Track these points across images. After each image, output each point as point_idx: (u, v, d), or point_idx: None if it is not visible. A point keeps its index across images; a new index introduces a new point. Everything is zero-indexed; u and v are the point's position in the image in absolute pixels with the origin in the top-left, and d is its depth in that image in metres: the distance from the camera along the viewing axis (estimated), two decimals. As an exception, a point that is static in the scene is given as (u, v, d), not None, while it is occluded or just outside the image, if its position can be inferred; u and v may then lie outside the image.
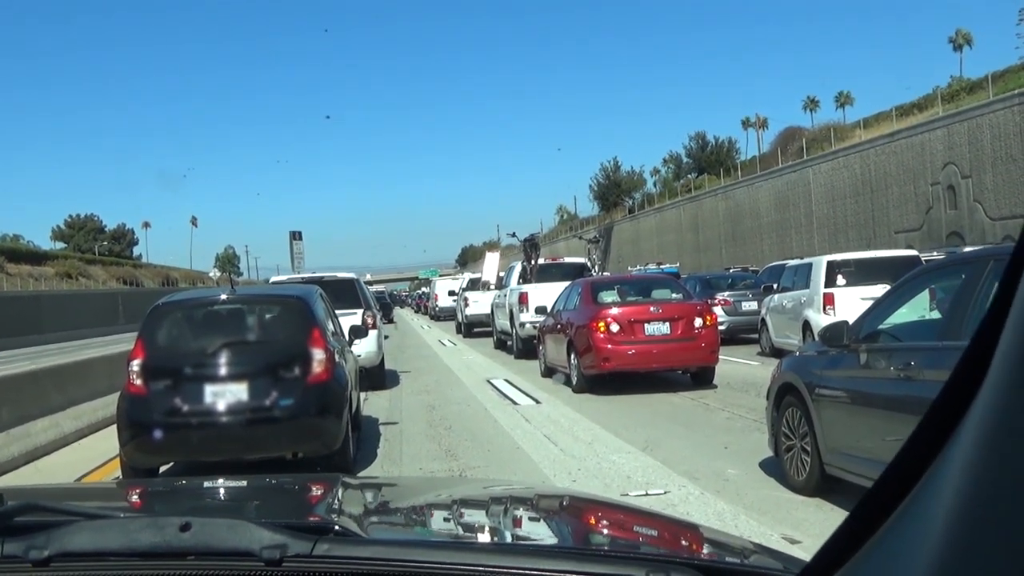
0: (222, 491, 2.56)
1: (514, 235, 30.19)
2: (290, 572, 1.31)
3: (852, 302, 13.10)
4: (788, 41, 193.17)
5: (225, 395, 7.37)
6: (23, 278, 65.11)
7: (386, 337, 19.15)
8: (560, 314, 14.63)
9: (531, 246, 24.06)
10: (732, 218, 61.37)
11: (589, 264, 24.79)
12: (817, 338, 7.06)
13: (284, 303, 8.53)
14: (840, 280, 14.89)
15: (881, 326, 5.92)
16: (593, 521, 2.18)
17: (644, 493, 6.65)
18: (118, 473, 7.95)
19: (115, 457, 8.18)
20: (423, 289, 78.99)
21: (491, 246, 78.00)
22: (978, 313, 4.77)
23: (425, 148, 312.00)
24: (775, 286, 17.51)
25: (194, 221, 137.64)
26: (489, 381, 15.23)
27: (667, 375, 13.52)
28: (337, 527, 1.51)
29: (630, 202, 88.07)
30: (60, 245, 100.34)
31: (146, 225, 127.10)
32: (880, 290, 9.35)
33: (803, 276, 16.04)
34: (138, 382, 7.45)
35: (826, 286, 14.89)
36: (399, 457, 8.84)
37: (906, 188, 42.23)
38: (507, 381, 15.00)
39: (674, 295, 14.08)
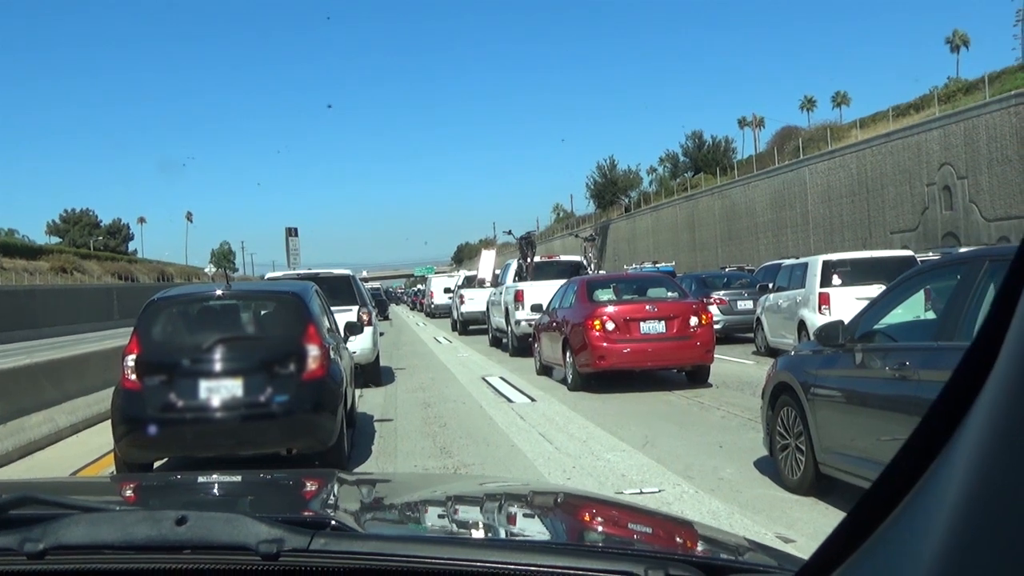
0: (217, 486, 2.56)
1: (510, 233, 30.19)
2: (287, 566, 1.31)
3: (847, 302, 13.13)
4: (785, 41, 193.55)
5: (220, 391, 7.36)
6: (18, 273, 64.98)
7: (381, 334, 19.14)
8: (556, 312, 14.63)
9: (527, 244, 24.06)
10: (728, 217, 61.42)
11: (585, 262, 24.79)
12: (812, 337, 7.07)
13: (280, 299, 8.52)
14: (836, 280, 14.90)
15: (876, 326, 5.93)
16: (588, 518, 2.18)
17: (639, 491, 6.65)
18: (112, 468, 7.94)
19: (110, 452, 8.16)
20: (419, 286, 78.92)
21: (487, 244, 78.02)
22: (973, 314, 4.78)
23: (422, 146, 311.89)
24: (771, 285, 17.53)
25: (189, 216, 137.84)
26: (484, 379, 15.23)
27: (662, 374, 13.53)
28: (334, 522, 1.51)
29: (626, 201, 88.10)
30: (55, 240, 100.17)
31: (141, 220, 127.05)
32: (875, 290, 9.37)
33: (799, 276, 16.06)
34: (133, 377, 7.43)
35: (822, 286, 14.91)
36: (394, 454, 8.84)
37: (902, 188, 42.30)
38: (502, 379, 15.00)
39: (670, 294, 14.09)
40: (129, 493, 2.49)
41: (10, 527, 1.36)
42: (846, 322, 6.12)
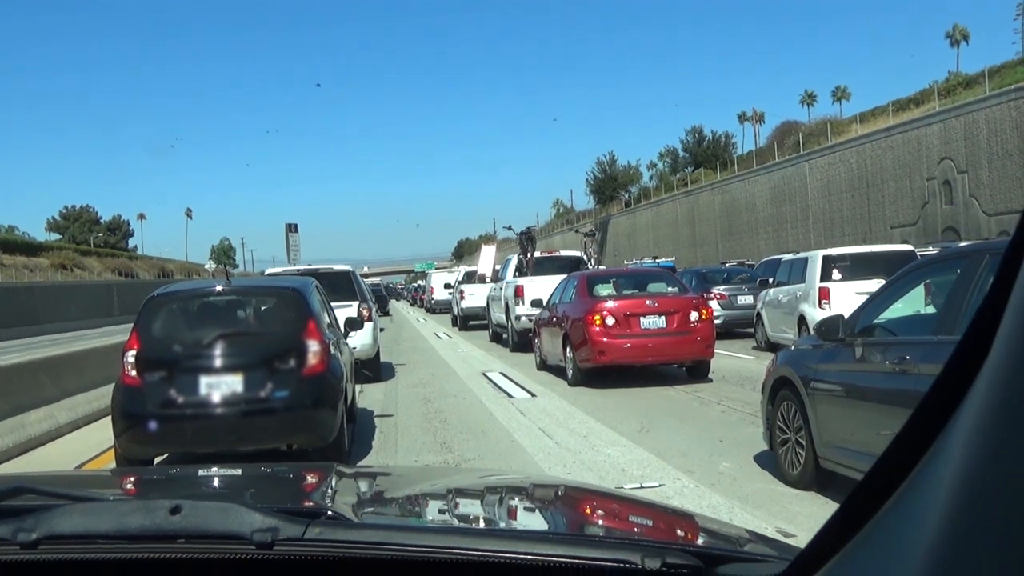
0: (215, 478, 2.56)
1: (510, 228, 30.24)
2: (281, 555, 1.30)
3: (847, 296, 13.14)
4: (786, 36, 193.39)
5: (220, 386, 7.36)
6: (18, 269, 64.97)
7: (382, 330, 19.15)
8: (556, 307, 14.62)
9: (527, 239, 24.05)
10: (728, 212, 61.40)
11: (585, 258, 24.79)
12: (812, 332, 7.07)
13: (280, 295, 8.51)
14: (836, 275, 14.90)
15: (876, 320, 5.93)
16: (588, 510, 2.17)
17: (639, 486, 6.66)
18: (113, 464, 7.94)
19: (110, 448, 8.16)
20: (419, 282, 78.89)
21: (487, 239, 77.94)
22: (973, 308, 4.76)
23: (422, 142, 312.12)
24: (771, 280, 17.51)
25: (189, 213, 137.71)
26: (484, 374, 15.23)
27: (663, 369, 13.53)
28: (329, 512, 1.51)
29: (626, 196, 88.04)
30: (55, 236, 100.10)
31: (141, 217, 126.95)
32: (875, 285, 9.37)
33: (799, 270, 16.04)
34: (133, 373, 7.43)
35: (822, 280, 14.90)
36: (394, 449, 8.84)
37: (902, 183, 42.27)
38: (502, 374, 15.00)
39: (670, 289, 14.08)
40: (125, 485, 2.49)
41: (3, 517, 1.35)
42: (846, 316, 6.12)
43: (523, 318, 18.93)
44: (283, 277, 13.30)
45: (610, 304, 12.94)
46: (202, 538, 1.32)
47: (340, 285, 14.36)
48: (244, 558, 1.30)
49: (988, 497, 0.69)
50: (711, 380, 12.94)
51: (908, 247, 17.27)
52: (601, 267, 29.72)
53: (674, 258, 45.92)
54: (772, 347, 15.62)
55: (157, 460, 7.85)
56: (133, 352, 7.49)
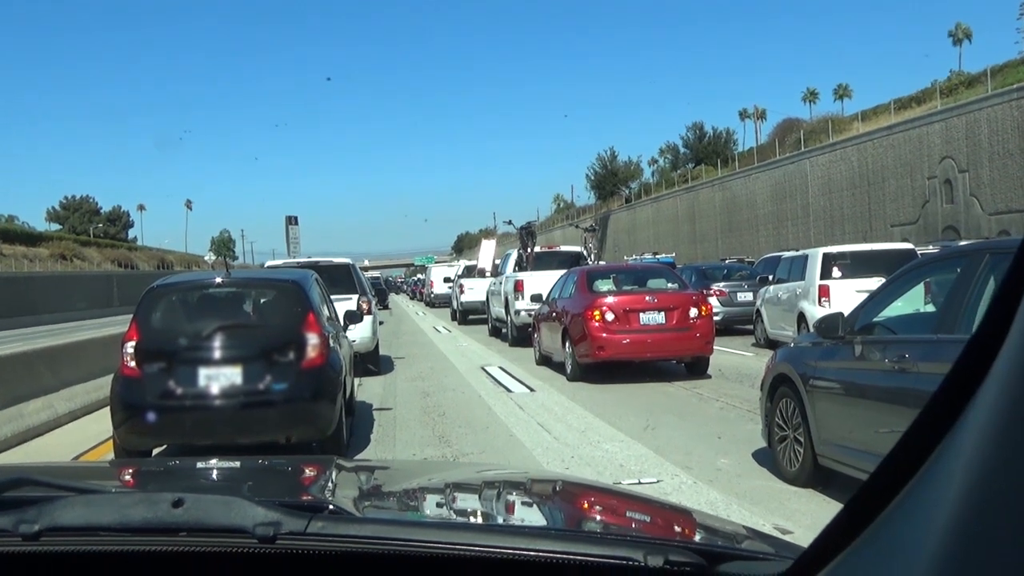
0: (215, 471, 2.55)
1: (510, 223, 30.20)
2: (283, 549, 1.30)
3: (847, 294, 13.13)
4: (788, 33, 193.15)
5: (219, 378, 7.36)
6: (17, 259, 64.95)
7: (381, 323, 19.14)
8: (555, 302, 14.62)
9: (527, 234, 24.02)
10: (728, 209, 61.37)
11: (585, 253, 24.75)
12: (812, 329, 7.07)
13: (279, 287, 8.51)
14: (836, 272, 14.89)
15: (876, 318, 5.93)
16: (587, 505, 2.17)
17: (637, 481, 6.66)
18: (111, 455, 7.95)
19: (108, 439, 8.17)
20: (419, 276, 78.89)
21: (487, 233, 77.98)
22: (973, 307, 4.78)
23: (422, 135, 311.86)
24: (771, 277, 17.50)
25: (189, 204, 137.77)
26: (483, 368, 15.24)
27: (662, 364, 13.54)
28: (331, 506, 1.50)
29: (627, 192, 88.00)
30: (55, 226, 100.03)
31: (141, 208, 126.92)
32: (875, 283, 9.36)
33: (799, 268, 16.04)
34: (132, 364, 7.43)
35: (821, 278, 14.89)
36: (392, 443, 8.84)
37: (903, 181, 42.24)
38: (501, 369, 15.00)
39: (669, 285, 14.08)
40: (126, 477, 2.48)
41: (5, 508, 1.35)
42: (846, 314, 6.12)
43: (522, 313, 18.92)
44: (283, 270, 13.28)
45: (610, 300, 12.94)
46: (204, 531, 1.32)
47: (340, 278, 14.35)
48: (246, 552, 1.30)
49: (997, 498, 0.69)
50: (710, 376, 12.95)
51: (908, 245, 17.27)
52: (601, 263, 29.67)
53: (674, 254, 45.92)
54: (771, 344, 15.62)
55: (155, 452, 7.86)
56: (132, 343, 7.49)
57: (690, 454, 7.67)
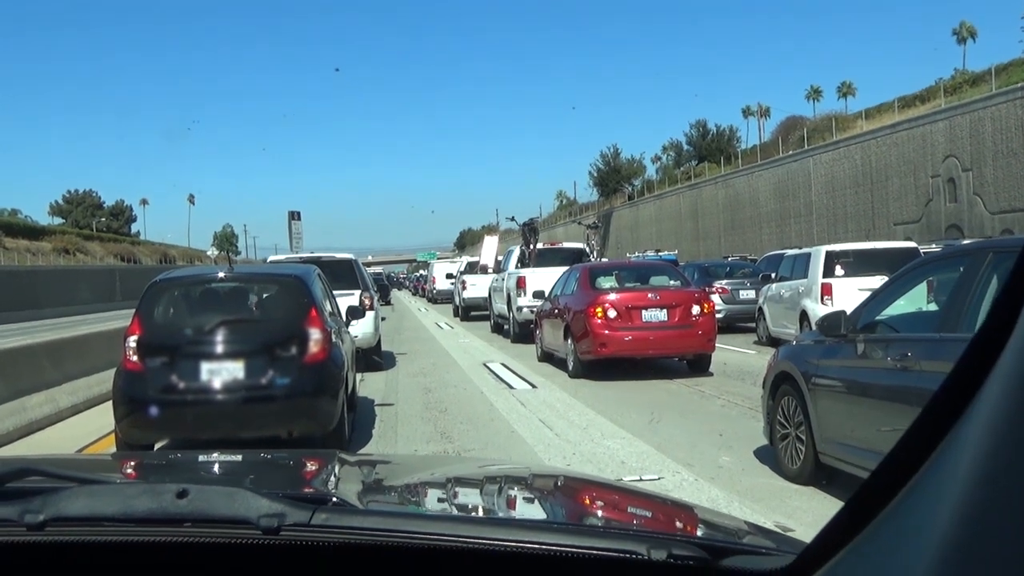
0: (218, 464, 2.56)
1: (513, 219, 30.13)
2: (287, 541, 1.31)
3: (850, 293, 13.11)
4: (792, 31, 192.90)
5: (221, 373, 7.37)
6: (20, 253, 65.02)
7: (383, 319, 19.15)
8: (558, 299, 14.63)
9: (530, 231, 24.03)
10: (731, 206, 61.33)
11: (588, 250, 24.77)
12: (815, 327, 7.06)
13: (282, 282, 8.51)
14: (838, 271, 14.87)
15: (879, 317, 5.92)
16: (589, 500, 2.18)
17: (638, 478, 6.66)
18: (113, 449, 7.96)
19: (110, 433, 8.18)
20: (421, 272, 78.90)
21: (490, 230, 77.88)
22: (976, 306, 4.77)
23: (425, 132, 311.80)
24: (773, 275, 17.49)
25: (191, 199, 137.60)
26: (485, 364, 15.24)
27: (663, 362, 13.54)
28: (335, 498, 1.51)
29: (630, 189, 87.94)
30: (58, 220, 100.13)
31: (144, 202, 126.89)
32: (878, 281, 9.35)
33: (801, 266, 16.02)
34: (134, 358, 7.44)
35: (824, 276, 14.88)
36: (394, 438, 8.85)
37: (906, 180, 42.20)
38: (503, 365, 15.01)
39: (672, 282, 14.08)
40: (129, 469, 2.49)
41: (9, 498, 1.36)
42: (848, 312, 6.11)
43: (525, 309, 18.92)
44: (285, 265, 13.31)
45: (612, 296, 12.95)
46: (208, 522, 1.32)
47: (342, 273, 14.36)
48: (250, 543, 1.30)
49: (999, 496, 0.69)
50: (712, 374, 12.95)
51: (911, 244, 17.24)
52: (603, 260, 29.66)
53: (676, 252, 45.94)
54: (773, 342, 15.62)
55: (157, 446, 7.87)
56: (135, 337, 7.50)
57: (692, 451, 7.67)
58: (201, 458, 2.75)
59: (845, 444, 5.78)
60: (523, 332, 18.93)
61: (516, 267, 21.71)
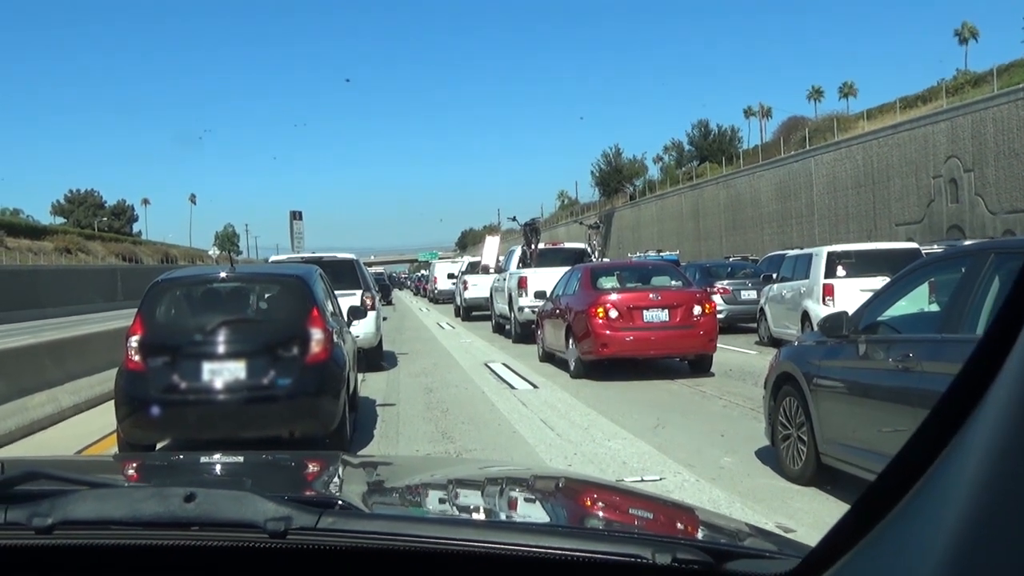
0: (222, 466, 2.56)
1: (514, 219, 30.16)
2: (294, 545, 1.31)
3: (852, 294, 13.11)
4: (793, 31, 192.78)
5: (223, 373, 7.37)
6: (22, 252, 65.04)
7: (385, 319, 19.14)
8: (559, 299, 14.63)
9: (531, 231, 23.99)
10: (733, 207, 61.30)
11: (589, 250, 24.74)
12: (816, 328, 7.06)
13: (283, 282, 8.52)
14: (840, 271, 14.86)
15: (880, 317, 5.92)
16: (591, 502, 2.18)
17: (640, 479, 6.66)
18: (115, 449, 7.96)
19: (112, 433, 8.18)
20: (422, 272, 78.90)
21: (491, 230, 77.86)
22: (978, 307, 4.77)
23: (426, 131, 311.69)
24: (775, 276, 17.48)
25: (193, 199, 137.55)
26: (487, 365, 15.24)
27: (665, 362, 13.53)
28: (340, 502, 1.51)
29: (631, 189, 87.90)
30: (60, 220, 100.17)
31: (145, 202, 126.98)
32: (880, 282, 9.34)
33: (803, 266, 16.01)
34: (136, 358, 7.45)
35: (826, 277, 14.87)
36: (396, 439, 8.85)
37: (908, 180, 42.18)
38: (505, 365, 15.01)
39: (673, 282, 14.08)
40: (135, 472, 2.49)
41: (18, 502, 1.36)
42: (850, 313, 6.11)
43: (526, 309, 18.92)
44: (287, 264, 13.31)
45: (613, 297, 12.95)
46: (216, 526, 1.32)
47: (344, 273, 14.35)
48: (257, 547, 1.31)
49: (1006, 500, 0.70)
50: (713, 374, 12.94)
51: (913, 245, 17.24)
52: (605, 260, 29.65)
53: (678, 252, 45.93)
54: (775, 342, 15.61)
55: (159, 446, 7.87)
56: (137, 337, 7.50)
57: (693, 452, 7.67)
58: (205, 460, 2.76)
59: (847, 445, 5.78)
60: (524, 332, 18.92)
61: (518, 267, 21.71)
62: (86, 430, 9.64)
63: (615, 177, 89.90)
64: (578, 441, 8.33)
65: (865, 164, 46.02)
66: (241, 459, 2.73)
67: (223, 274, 8.33)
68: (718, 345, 13.37)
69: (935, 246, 20.74)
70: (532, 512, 2.11)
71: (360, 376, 11.56)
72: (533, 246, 22.83)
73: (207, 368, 7.38)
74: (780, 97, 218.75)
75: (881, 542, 0.87)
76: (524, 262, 22.08)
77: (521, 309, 19.41)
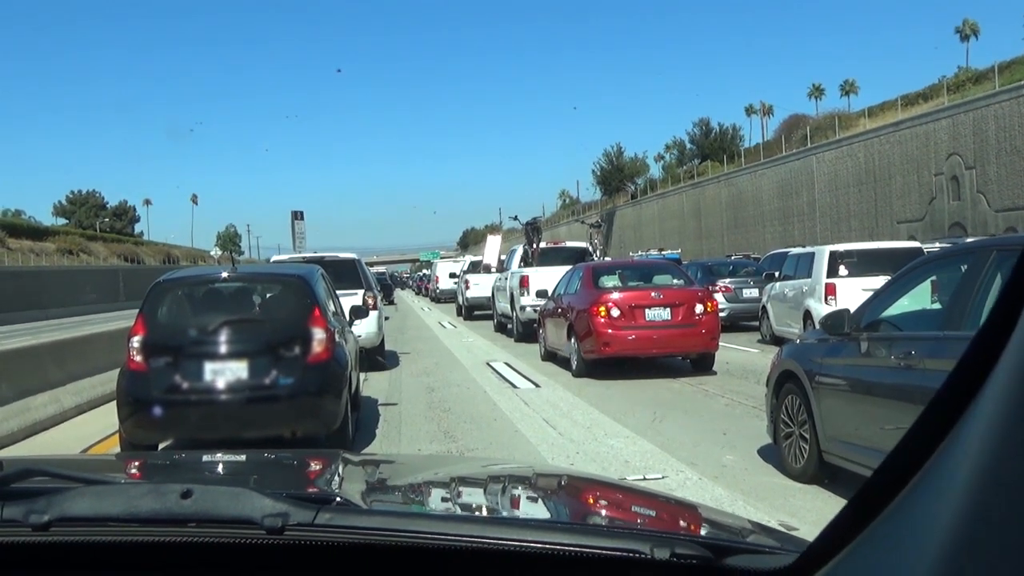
0: (222, 464, 2.56)
1: (516, 218, 30.20)
2: (291, 541, 1.31)
3: (853, 292, 13.09)
4: (794, 28, 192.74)
5: (225, 373, 7.37)
6: (24, 253, 65.09)
7: (387, 318, 19.15)
8: (561, 298, 14.63)
9: (533, 230, 23.98)
10: (734, 205, 61.28)
11: (591, 249, 24.73)
12: (818, 326, 7.06)
13: (285, 282, 8.52)
14: (842, 270, 14.86)
15: (882, 315, 5.91)
16: (593, 499, 2.18)
17: (642, 478, 6.66)
18: (117, 449, 7.97)
19: (114, 433, 8.20)
20: (424, 271, 78.97)
21: (493, 229, 77.86)
22: (980, 304, 4.77)
23: (428, 131, 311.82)
24: (776, 274, 17.49)
25: (195, 199, 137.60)
26: (489, 364, 15.25)
27: (667, 361, 13.53)
28: (339, 498, 1.51)
29: (633, 188, 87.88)
30: (61, 221, 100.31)
31: (147, 202, 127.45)
32: (881, 281, 9.33)
33: (805, 265, 16.01)
34: (138, 359, 7.45)
35: (828, 276, 14.86)
36: (398, 438, 8.86)
37: (909, 178, 42.14)
38: (507, 364, 15.01)
39: (675, 281, 14.08)
40: (133, 469, 2.49)
41: (14, 499, 1.36)
42: (852, 311, 6.11)
43: (528, 308, 18.91)
44: (289, 264, 13.32)
45: (615, 296, 12.94)
46: (213, 522, 1.32)
47: (345, 273, 14.36)
48: (254, 543, 1.31)
49: (1002, 494, 0.69)
50: (715, 373, 12.94)
51: (915, 244, 17.22)
52: (607, 259, 29.67)
53: (680, 250, 45.90)
54: (777, 341, 15.61)
55: (161, 446, 7.88)
56: (139, 337, 7.51)
57: (695, 450, 7.67)
58: (205, 458, 2.76)
59: (849, 442, 5.78)
60: (526, 331, 18.92)
61: (519, 266, 21.70)
62: (88, 431, 9.65)
63: (616, 176, 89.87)
64: (580, 440, 8.33)
65: (867, 162, 45.98)
66: (240, 457, 2.73)
67: (225, 274, 8.34)
68: (720, 343, 13.37)
69: (937, 243, 20.72)
70: (533, 509, 2.11)
71: (362, 376, 11.57)
72: (535, 245, 22.82)
73: (209, 368, 7.39)
74: (781, 95, 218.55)
75: (878, 537, 0.87)
76: (526, 261, 22.07)
77: (523, 308, 19.41)
